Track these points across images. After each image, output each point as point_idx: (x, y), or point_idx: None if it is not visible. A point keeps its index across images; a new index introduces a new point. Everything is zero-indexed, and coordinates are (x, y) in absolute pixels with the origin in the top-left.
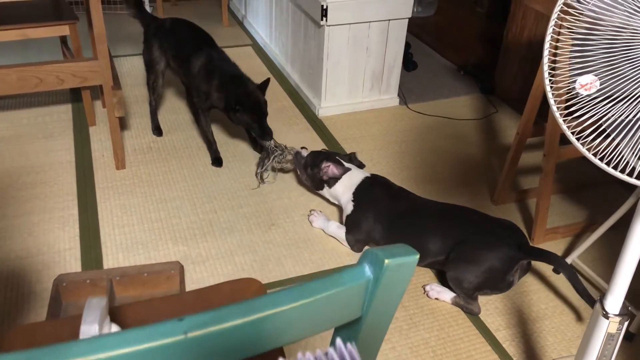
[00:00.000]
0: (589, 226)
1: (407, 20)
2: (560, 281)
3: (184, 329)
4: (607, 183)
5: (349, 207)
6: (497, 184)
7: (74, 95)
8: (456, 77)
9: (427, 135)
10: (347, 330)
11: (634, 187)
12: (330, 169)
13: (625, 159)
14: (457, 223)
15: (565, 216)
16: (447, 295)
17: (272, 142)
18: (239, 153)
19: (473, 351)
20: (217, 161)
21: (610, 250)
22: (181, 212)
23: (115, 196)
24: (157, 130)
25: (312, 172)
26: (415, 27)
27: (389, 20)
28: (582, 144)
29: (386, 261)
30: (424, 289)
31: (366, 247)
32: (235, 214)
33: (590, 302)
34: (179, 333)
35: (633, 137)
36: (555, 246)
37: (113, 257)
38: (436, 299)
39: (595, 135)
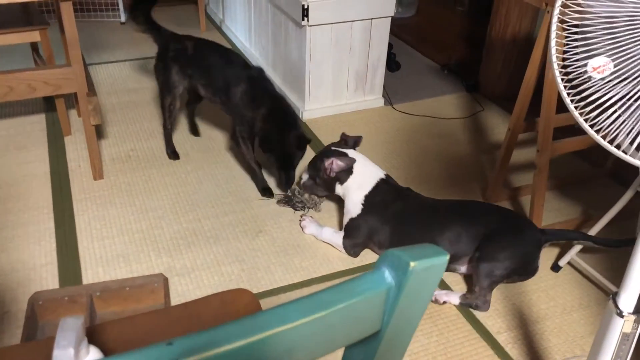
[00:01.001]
0: (584, 222)
1: (389, 19)
2: (559, 279)
3: (173, 355)
4: (599, 178)
5: (355, 210)
6: (487, 181)
7: (48, 105)
8: (440, 76)
9: (414, 136)
10: (362, 347)
11: (628, 181)
12: (335, 163)
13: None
14: (477, 217)
15: (560, 212)
16: (454, 296)
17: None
18: (222, 158)
19: (475, 356)
20: (265, 191)
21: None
22: (163, 222)
23: (93, 207)
24: (174, 154)
25: (322, 179)
26: (396, 27)
27: (372, 19)
28: (594, 131)
29: (412, 264)
30: None
31: (364, 250)
32: (220, 222)
33: (628, 243)
34: None
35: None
36: (552, 243)
37: (93, 272)
38: (444, 302)
39: (604, 116)
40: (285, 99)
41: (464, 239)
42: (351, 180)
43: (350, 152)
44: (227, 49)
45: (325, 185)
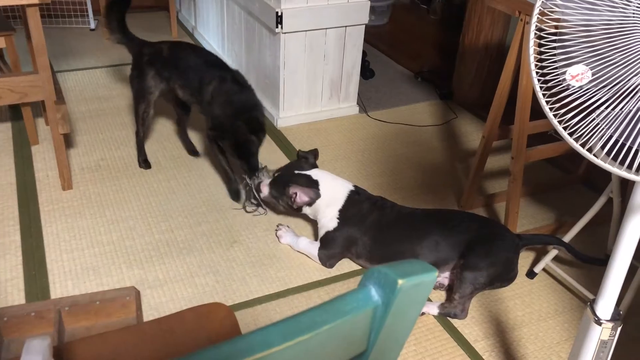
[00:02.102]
0: (558, 228)
1: (363, 26)
2: (535, 286)
3: None
4: (572, 184)
5: (331, 224)
6: (462, 189)
7: (14, 113)
8: (414, 84)
9: (389, 143)
10: None
11: (600, 188)
12: (299, 197)
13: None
14: (455, 225)
15: (535, 219)
16: (433, 307)
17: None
18: (195, 166)
19: None
20: (236, 194)
21: (583, 251)
22: (135, 233)
23: (61, 219)
24: (145, 163)
25: (284, 202)
26: (369, 35)
27: (346, 27)
28: (569, 135)
29: (400, 282)
30: None
31: (346, 263)
32: (193, 232)
33: (599, 262)
34: None
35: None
36: (526, 250)
37: (61, 286)
38: (422, 313)
39: (578, 119)
40: (253, 91)
41: (443, 247)
42: (319, 202)
43: (313, 173)
44: (202, 48)
45: (289, 207)
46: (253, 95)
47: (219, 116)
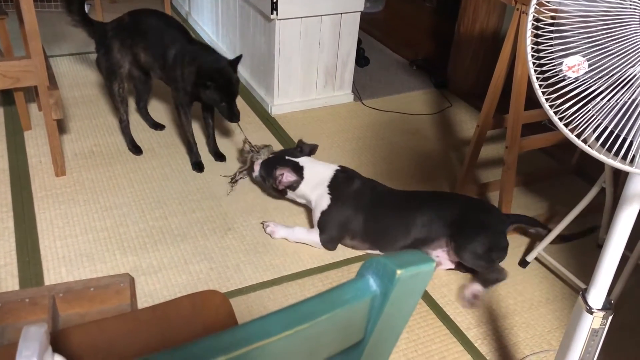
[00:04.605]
0: (551, 217)
1: (359, 13)
2: (527, 275)
3: None
4: (565, 174)
5: (323, 202)
6: (456, 177)
7: (6, 98)
8: (409, 72)
9: (383, 132)
10: (344, 357)
11: (592, 178)
12: (285, 177)
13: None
14: (445, 202)
15: (527, 208)
16: (477, 287)
17: (246, 145)
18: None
19: (445, 352)
20: (197, 166)
21: (576, 241)
22: (129, 220)
23: (55, 205)
24: (136, 149)
25: (271, 184)
26: (364, 23)
27: (341, 13)
28: (564, 125)
29: (398, 272)
30: (465, 301)
31: (347, 253)
32: (187, 219)
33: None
34: None
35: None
36: (519, 239)
37: (55, 272)
38: (474, 295)
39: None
40: (215, 51)
41: (435, 223)
42: (304, 186)
43: (301, 161)
44: (163, 13)
45: (275, 190)
46: (221, 55)
47: (191, 72)
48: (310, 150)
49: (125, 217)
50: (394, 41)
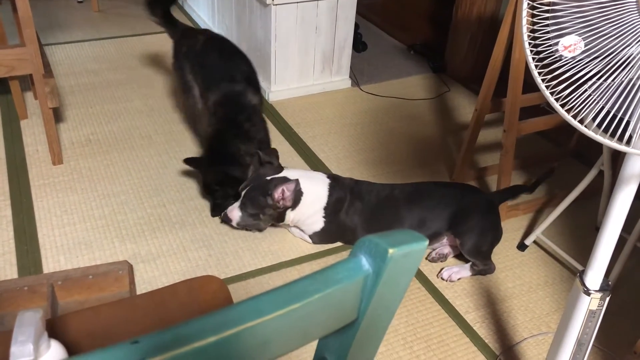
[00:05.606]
0: (549, 201)
1: None
2: (525, 258)
3: (140, 354)
4: (563, 157)
5: (317, 225)
6: (454, 162)
7: (1, 87)
8: (407, 57)
9: (382, 117)
10: (338, 336)
11: (591, 161)
12: (286, 190)
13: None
14: (438, 196)
15: None
16: (465, 271)
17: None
18: (186, 143)
19: (444, 335)
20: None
21: (573, 224)
22: (127, 208)
23: (52, 194)
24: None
25: (272, 214)
26: (362, 7)
27: None
28: (561, 107)
29: (390, 251)
30: (441, 277)
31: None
32: (185, 206)
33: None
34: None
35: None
36: (518, 222)
37: (54, 261)
38: (459, 279)
39: (570, 91)
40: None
41: (430, 222)
42: (304, 200)
43: (288, 174)
44: (233, 51)
45: (273, 218)
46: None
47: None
48: (277, 159)
49: (123, 205)
50: (391, 26)
